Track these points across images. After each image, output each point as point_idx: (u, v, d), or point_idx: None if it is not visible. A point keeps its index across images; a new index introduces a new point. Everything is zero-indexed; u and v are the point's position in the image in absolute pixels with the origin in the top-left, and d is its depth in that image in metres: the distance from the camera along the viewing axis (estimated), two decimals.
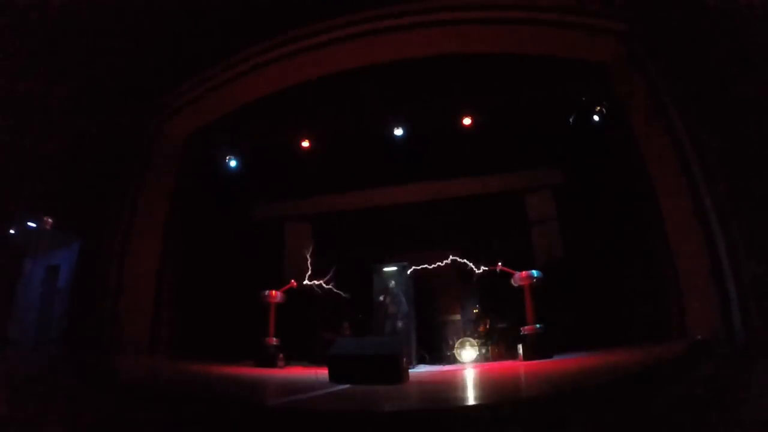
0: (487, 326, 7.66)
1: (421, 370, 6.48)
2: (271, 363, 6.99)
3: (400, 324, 7.11)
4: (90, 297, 7.03)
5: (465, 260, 7.22)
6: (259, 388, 4.72)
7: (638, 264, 6.85)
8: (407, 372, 4.92)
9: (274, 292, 7.49)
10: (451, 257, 7.30)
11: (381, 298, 7.38)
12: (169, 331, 7.85)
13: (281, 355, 7.19)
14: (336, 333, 7.68)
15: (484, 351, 7.45)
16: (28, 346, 7.91)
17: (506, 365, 6.38)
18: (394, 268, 7.52)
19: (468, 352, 7.31)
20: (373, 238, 8.94)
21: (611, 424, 2.55)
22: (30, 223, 7.89)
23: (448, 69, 7.34)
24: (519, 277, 6.79)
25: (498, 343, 7.55)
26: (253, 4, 6.54)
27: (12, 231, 8.05)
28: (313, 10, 6.68)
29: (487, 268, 7.08)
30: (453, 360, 7.38)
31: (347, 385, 4.43)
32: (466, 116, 7.92)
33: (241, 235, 9.32)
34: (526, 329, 6.55)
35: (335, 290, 7.52)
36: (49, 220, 7.79)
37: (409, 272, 7.44)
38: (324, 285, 7.56)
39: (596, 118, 7.52)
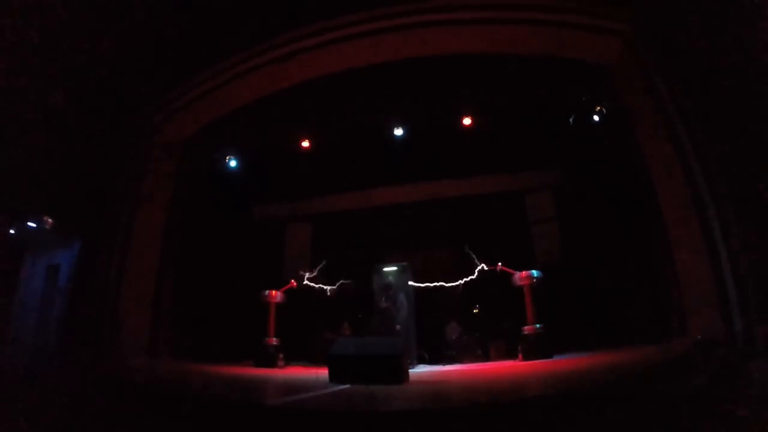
0: (487, 326, 7.65)
1: (421, 370, 6.47)
2: (271, 363, 7.00)
3: (400, 324, 7.09)
4: (90, 297, 7.04)
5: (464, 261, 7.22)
6: (259, 388, 4.72)
7: (638, 264, 6.84)
8: (407, 372, 4.91)
9: (274, 292, 7.49)
10: (451, 256, 7.30)
11: (381, 298, 7.37)
12: (168, 331, 7.84)
13: (281, 355, 7.19)
14: (336, 333, 7.68)
15: (483, 351, 7.44)
16: (28, 346, 7.92)
17: (506, 365, 6.38)
18: (394, 268, 7.50)
19: (467, 352, 7.30)
20: (373, 238, 8.93)
21: (611, 424, 2.55)
22: (30, 223, 7.89)
23: (448, 69, 7.32)
24: (519, 277, 6.80)
25: (498, 343, 7.53)
26: (253, 5, 6.54)
27: (12, 231, 8.05)
28: (313, 10, 6.67)
29: (487, 268, 7.08)
30: (453, 360, 7.38)
31: (347, 385, 4.43)
32: (466, 116, 7.91)
33: (241, 235, 9.31)
34: (526, 329, 6.55)
35: (334, 290, 7.52)
36: (49, 220, 7.80)
37: (409, 272, 7.43)
38: (324, 285, 7.56)
39: (596, 118, 7.51)
